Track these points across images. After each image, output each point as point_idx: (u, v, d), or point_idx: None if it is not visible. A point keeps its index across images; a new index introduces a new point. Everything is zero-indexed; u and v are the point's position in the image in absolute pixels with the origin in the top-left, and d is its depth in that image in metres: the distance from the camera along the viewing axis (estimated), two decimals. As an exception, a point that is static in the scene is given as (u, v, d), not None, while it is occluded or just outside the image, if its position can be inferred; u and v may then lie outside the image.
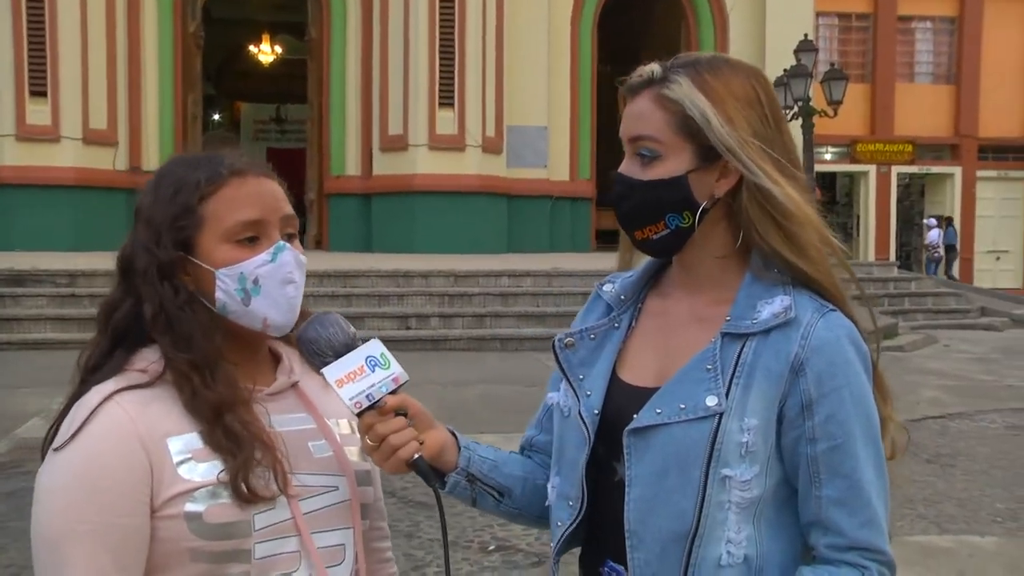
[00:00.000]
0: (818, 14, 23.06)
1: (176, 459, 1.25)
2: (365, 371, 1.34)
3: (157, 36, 19.31)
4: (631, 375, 1.43)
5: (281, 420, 1.36)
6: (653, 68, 1.38)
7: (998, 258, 26.22)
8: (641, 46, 24.37)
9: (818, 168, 22.20)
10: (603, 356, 1.46)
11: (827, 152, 25.50)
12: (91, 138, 17.89)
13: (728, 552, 1.29)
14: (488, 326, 12.86)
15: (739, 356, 1.32)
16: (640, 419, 1.33)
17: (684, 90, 1.34)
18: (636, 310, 1.50)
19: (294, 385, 1.42)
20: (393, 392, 1.35)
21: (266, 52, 28.03)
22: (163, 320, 1.29)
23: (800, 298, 1.34)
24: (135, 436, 1.23)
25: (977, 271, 26.03)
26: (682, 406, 1.31)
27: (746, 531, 1.30)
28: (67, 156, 17.62)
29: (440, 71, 18.85)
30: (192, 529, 1.23)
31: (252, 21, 27.02)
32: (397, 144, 18.86)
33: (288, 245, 1.36)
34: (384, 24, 19.36)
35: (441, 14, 18.80)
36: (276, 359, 1.44)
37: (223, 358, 1.33)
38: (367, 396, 1.33)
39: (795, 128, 17.70)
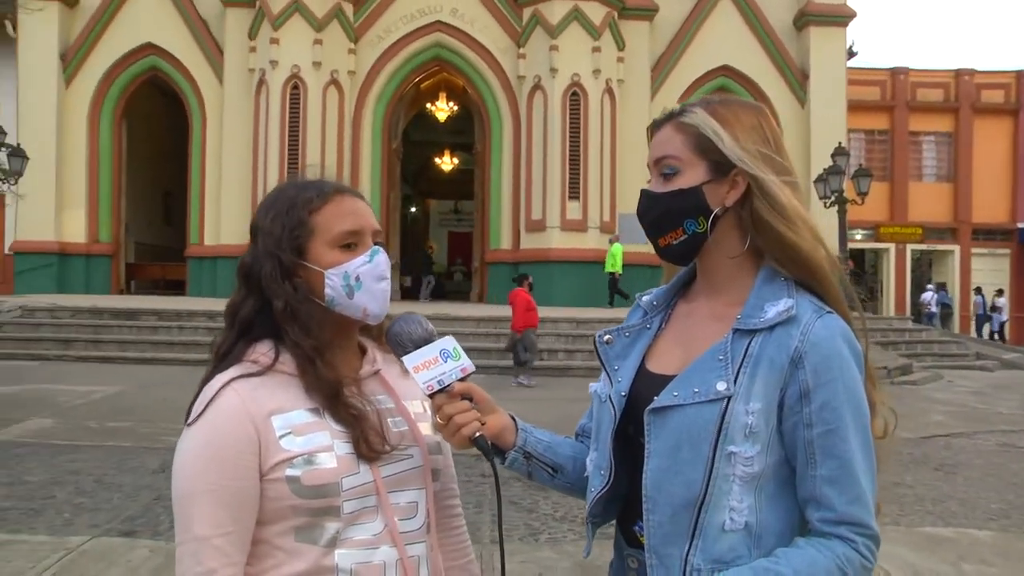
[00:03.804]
0: (850, 130, 25.47)
1: (279, 433, 1.33)
2: (439, 361, 1.41)
3: (371, 150, 22.54)
4: (657, 365, 1.46)
5: (368, 399, 1.43)
6: (674, 107, 1.46)
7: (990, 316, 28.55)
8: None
9: (850, 246, 25.24)
10: (635, 350, 1.50)
11: (857, 233, 29.34)
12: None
13: (731, 519, 1.31)
14: (598, 357, 14.92)
15: (747, 349, 1.34)
16: (659, 400, 1.36)
17: (699, 117, 1.41)
18: (667, 314, 1.54)
19: (377, 372, 1.49)
20: (462, 380, 1.42)
21: (446, 163, 32.14)
22: (290, 312, 1.38)
23: (802, 300, 1.36)
24: (246, 415, 1.33)
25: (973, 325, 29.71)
26: (696, 390, 1.34)
27: (747, 501, 1.32)
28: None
29: (569, 173, 21.60)
30: (293, 490, 1.31)
31: (437, 142, 31.03)
32: (538, 226, 21.56)
33: (381, 249, 1.44)
34: (529, 140, 22.28)
35: (570, 132, 21.69)
36: (363, 351, 1.52)
37: (334, 346, 1.43)
38: (438, 381, 1.40)
39: (831, 214, 19.83)
